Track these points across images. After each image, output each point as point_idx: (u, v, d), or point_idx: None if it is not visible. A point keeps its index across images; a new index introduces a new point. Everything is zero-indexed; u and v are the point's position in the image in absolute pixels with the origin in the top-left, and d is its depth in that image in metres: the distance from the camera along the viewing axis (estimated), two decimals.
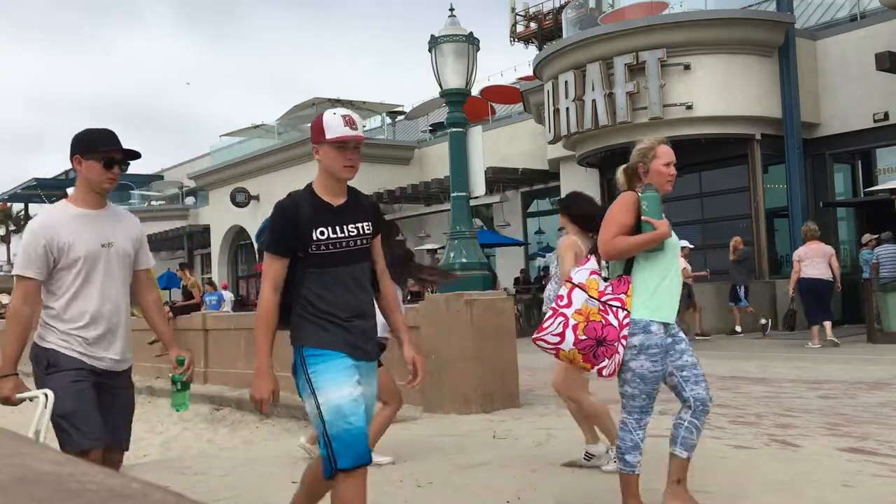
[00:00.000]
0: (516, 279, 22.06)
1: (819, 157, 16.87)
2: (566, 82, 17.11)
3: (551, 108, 17.76)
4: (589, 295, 3.69)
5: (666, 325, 3.72)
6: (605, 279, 3.77)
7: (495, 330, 7.52)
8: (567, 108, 17.13)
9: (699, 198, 17.63)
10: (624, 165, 3.95)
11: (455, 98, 8.89)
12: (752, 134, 16.38)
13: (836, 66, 16.44)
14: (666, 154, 3.80)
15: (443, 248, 15.09)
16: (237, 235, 29.88)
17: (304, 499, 3.38)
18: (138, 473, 4.86)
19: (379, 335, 3.47)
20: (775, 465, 4.86)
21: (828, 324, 11.93)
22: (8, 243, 53.71)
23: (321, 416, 2.95)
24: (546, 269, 22.20)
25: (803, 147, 16.37)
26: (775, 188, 17.01)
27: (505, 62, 76.98)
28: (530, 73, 20.89)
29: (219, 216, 30.02)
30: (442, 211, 21.39)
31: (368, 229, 3.17)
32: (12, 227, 55.84)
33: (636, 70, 16.00)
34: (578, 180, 19.85)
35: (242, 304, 26.52)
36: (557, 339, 3.68)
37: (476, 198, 9.48)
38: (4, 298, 36.79)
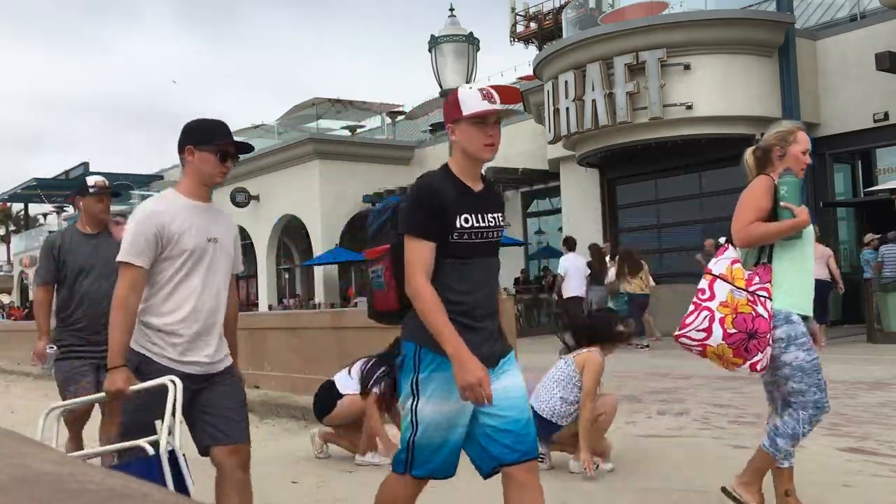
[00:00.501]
0: (516, 279, 22.07)
1: (819, 157, 16.84)
2: (566, 82, 17.11)
3: (551, 108, 17.76)
4: (735, 285, 3.48)
5: (805, 318, 3.56)
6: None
7: None
8: (567, 108, 17.13)
9: (699, 198, 17.63)
10: (753, 147, 3.78)
11: None
12: (752, 134, 16.30)
13: (836, 66, 16.43)
14: (804, 140, 3.67)
15: None
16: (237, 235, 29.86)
17: None
18: None
19: None
20: None
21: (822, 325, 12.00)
22: (8, 243, 53.72)
23: (414, 423, 2.77)
24: (546, 268, 22.22)
25: None
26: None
27: (505, 62, 77.04)
28: (530, 73, 20.89)
29: None
30: None
31: (502, 221, 2.92)
32: (12, 228, 55.88)
33: (636, 70, 15.99)
34: (578, 180, 19.86)
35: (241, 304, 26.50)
36: (703, 334, 3.48)
37: None
38: (5, 298, 36.79)
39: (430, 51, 8.91)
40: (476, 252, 2.80)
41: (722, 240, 3.57)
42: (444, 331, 2.66)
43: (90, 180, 4.80)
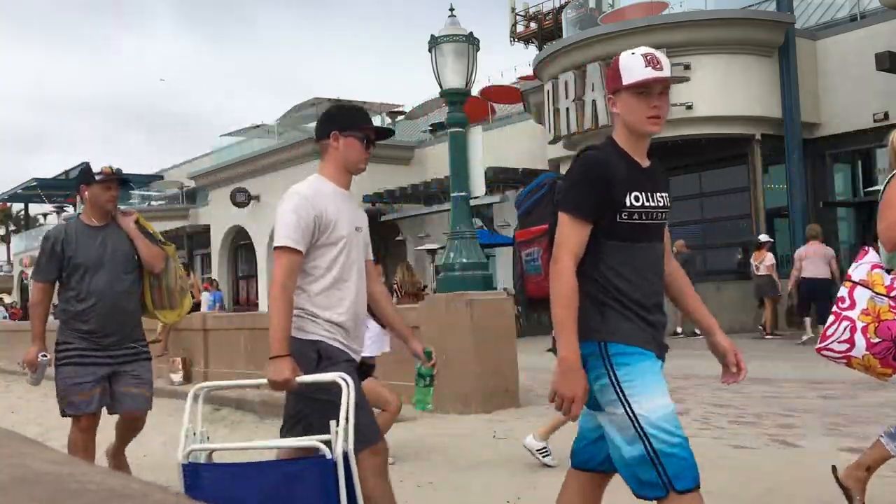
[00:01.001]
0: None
1: (819, 157, 16.87)
2: (566, 82, 17.11)
3: (551, 108, 17.76)
4: (875, 292, 3.22)
5: None
6: (888, 271, 3.30)
7: (495, 330, 7.53)
8: (567, 108, 17.14)
9: (699, 198, 17.62)
10: None
11: (455, 98, 8.89)
12: (752, 134, 16.38)
13: (836, 66, 16.43)
14: None
15: (443, 248, 15.08)
16: (237, 235, 29.86)
17: None
18: (138, 473, 4.86)
19: (368, 354, 3.34)
20: (775, 465, 4.86)
21: (808, 320, 12.30)
22: (8, 243, 53.72)
23: (642, 432, 2.42)
24: None
25: (803, 147, 16.36)
26: (775, 188, 17.01)
27: (505, 62, 77.03)
28: (530, 73, 20.89)
29: (219, 216, 30.02)
30: (442, 211, 21.37)
31: (669, 202, 2.64)
32: (12, 228, 55.88)
33: None
34: None
35: (238, 303, 26.51)
36: (846, 346, 3.25)
37: (476, 198, 9.47)
38: (6, 298, 36.84)
39: (430, 51, 8.90)
40: (645, 234, 2.55)
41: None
42: (568, 327, 2.41)
43: (96, 167, 4.45)
